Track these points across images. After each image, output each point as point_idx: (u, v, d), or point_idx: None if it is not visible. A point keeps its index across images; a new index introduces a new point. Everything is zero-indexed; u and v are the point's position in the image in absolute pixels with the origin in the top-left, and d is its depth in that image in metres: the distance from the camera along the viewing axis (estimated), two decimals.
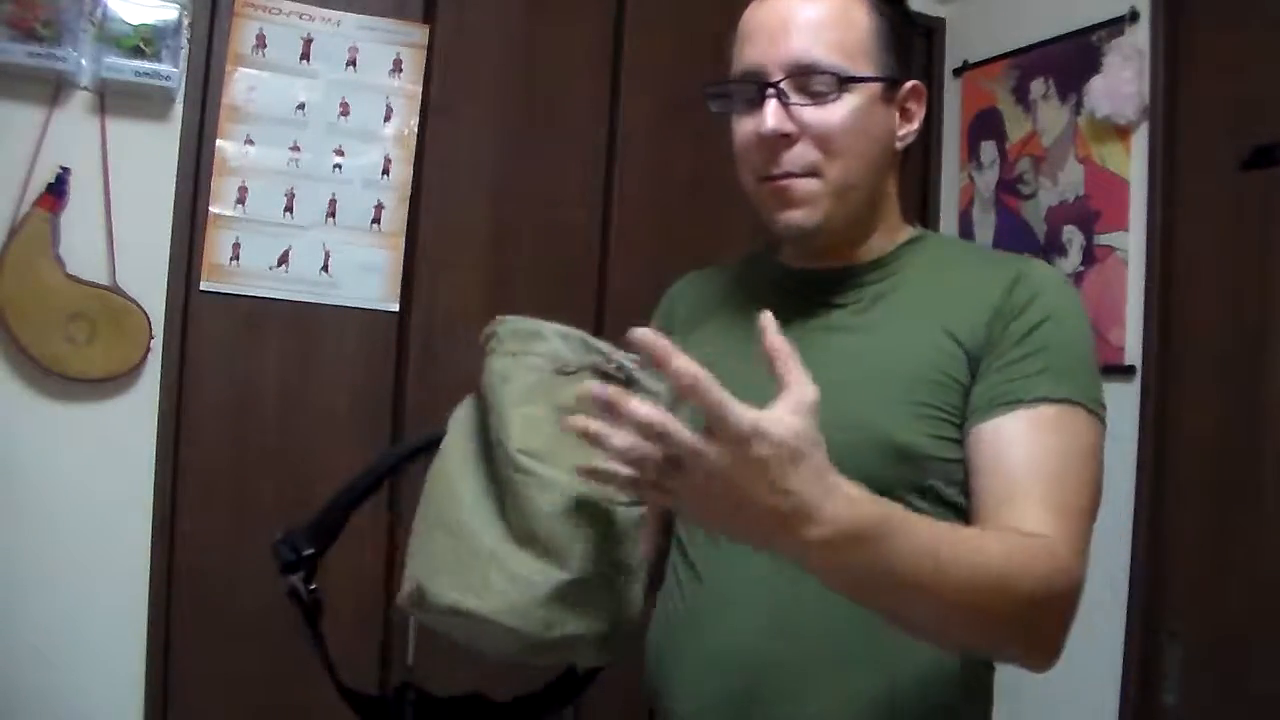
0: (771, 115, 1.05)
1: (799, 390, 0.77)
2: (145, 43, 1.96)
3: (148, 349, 2.00)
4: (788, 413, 0.76)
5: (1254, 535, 2.04)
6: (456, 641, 1.01)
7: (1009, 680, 1.10)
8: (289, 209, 2.16)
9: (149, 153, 2.03)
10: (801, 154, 1.07)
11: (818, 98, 1.06)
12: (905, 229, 1.18)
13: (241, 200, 2.12)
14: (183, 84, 2.04)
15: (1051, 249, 2.46)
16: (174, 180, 2.06)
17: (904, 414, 1.04)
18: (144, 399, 2.03)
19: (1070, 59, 2.45)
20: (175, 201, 2.06)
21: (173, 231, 2.06)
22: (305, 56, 2.17)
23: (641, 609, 1.03)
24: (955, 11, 2.83)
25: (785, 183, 1.08)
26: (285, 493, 2.12)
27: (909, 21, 1.16)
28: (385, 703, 1.17)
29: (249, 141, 2.13)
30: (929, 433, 1.04)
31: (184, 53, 2.03)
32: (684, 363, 0.72)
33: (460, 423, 1.06)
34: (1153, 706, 2.16)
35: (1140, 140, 2.30)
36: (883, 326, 1.10)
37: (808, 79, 1.06)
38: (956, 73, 2.77)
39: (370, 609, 2.06)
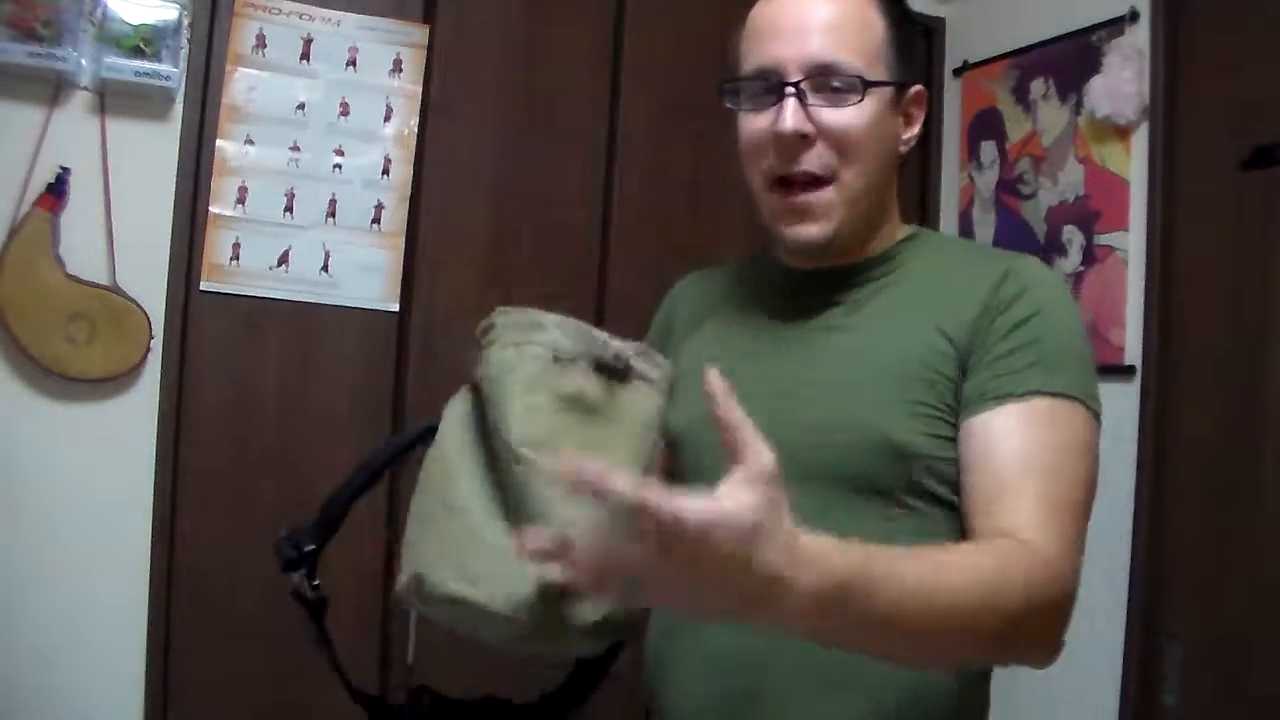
0: (791, 115, 1.05)
1: (755, 460, 0.69)
2: (145, 43, 1.96)
3: (148, 349, 2.00)
4: (745, 488, 0.68)
5: (1254, 535, 2.04)
6: (456, 630, 1.01)
7: (1008, 681, 1.10)
8: (289, 209, 2.16)
9: (149, 153, 2.03)
10: (818, 156, 1.07)
11: (836, 100, 1.06)
12: (901, 228, 1.19)
13: (241, 200, 2.12)
14: (183, 84, 2.04)
15: (1051, 249, 2.46)
16: (174, 180, 2.06)
17: (899, 413, 1.04)
18: (144, 399, 2.03)
19: (1070, 59, 2.45)
20: (175, 201, 2.06)
21: (173, 231, 2.06)
22: (305, 56, 2.17)
23: None
24: (955, 11, 2.82)
25: (801, 197, 1.07)
26: (285, 493, 2.12)
27: (913, 26, 1.16)
28: (400, 707, 1.16)
29: (249, 141, 2.13)
30: (924, 431, 1.04)
31: (184, 53, 2.03)
32: (623, 484, 0.64)
33: (456, 414, 1.06)
34: (1153, 706, 2.16)
35: (1140, 140, 2.30)
36: (877, 325, 1.10)
37: (827, 80, 1.06)
38: (956, 73, 2.77)
39: (369, 607, 2.06)
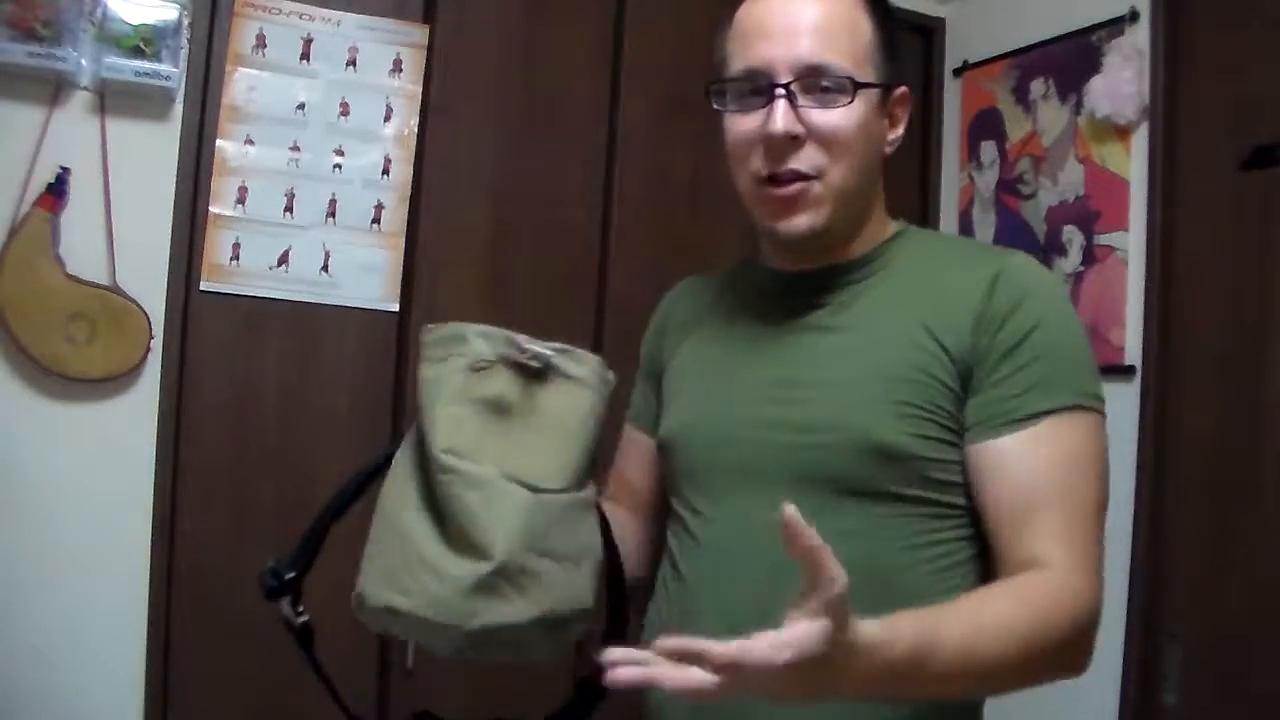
0: (782, 116, 1.05)
1: (829, 588, 0.76)
2: (145, 43, 1.96)
3: (148, 349, 2.00)
4: (819, 618, 0.76)
5: (1254, 535, 2.04)
6: (406, 641, 1.02)
7: None
8: (289, 209, 2.16)
9: (149, 153, 2.03)
10: (807, 156, 1.07)
11: (826, 101, 1.06)
12: (888, 226, 1.19)
13: (241, 200, 2.12)
14: (183, 84, 2.04)
15: (1051, 249, 2.46)
16: (174, 180, 2.06)
17: (885, 413, 1.05)
18: (144, 399, 2.03)
19: (1070, 59, 2.45)
20: (175, 201, 2.06)
21: (173, 231, 2.06)
22: (305, 56, 2.17)
23: (592, 596, 1.04)
24: (955, 11, 2.83)
25: (789, 189, 1.08)
26: (285, 493, 2.12)
27: (898, 27, 1.17)
28: None
29: (249, 141, 2.13)
30: (910, 431, 1.04)
31: (184, 53, 2.03)
32: (721, 652, 0.75)
33: (409, 437, 1.08)
34: (1153, 707, 2.16)
35: (1140, 140, 2.30)
36: (863, 325, 1.11)
37: (816, 81, 1.06)
38: (956, 73, 2.77)
39: None
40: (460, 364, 1.04)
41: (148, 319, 2.00)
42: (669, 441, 1.21)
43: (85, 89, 1.97)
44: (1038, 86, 2.54)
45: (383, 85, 2.23)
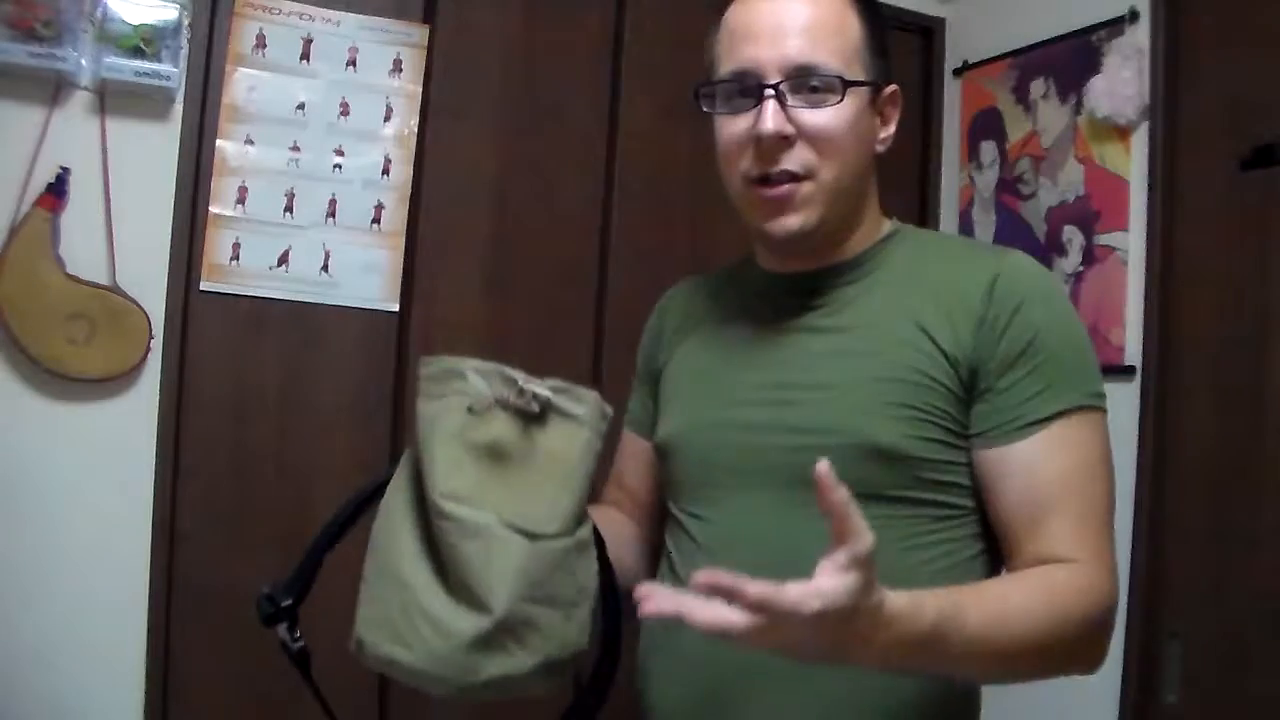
0: (771, 117, 1.05)
1: (856, 544, 0.78)
2: (145, 43, 1.95)
3: (148, 349, 2.00)
4: (844, 572, 0.78)
5: (1254, 535, 2.04)
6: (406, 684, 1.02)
7: None
8: (289, 209, 2.16)
9: (149, 153, 2.03)
10: (798, 156, 1.07)
11: (815, 100, 1.06)
12: (882, 225, 1.18)
13: (241, 200, 2.12)
14: (183, 84, 2.04)
15: (1051, 249, 2.46)
16: (174, 180, 2.06)
17: (882, 415, 1.05)
18: (144, 399, 2.03)
19: (1070, 59, 2.45)
20: (175, 201, 2.06)
21: (173, 231, 2.06)
22: (305, 56, 2.17)
23: (588, 635, 1.03)
24: (955, 11, 2.82)
25: (780, 190, 1.08)
26: (285, 493, 2.12)
27: (887, 26, 1.17)
28: None
29: (249, 141, 2.13)
30: (908, 433, 1.04)
31: (184, 53, 2.03)
32: (754, 589, 0.76)
33: (403, 471, 1.06)
34: (1153, 707, 2.16)
35: (1140, 140, 2.30)
36: (858, 326, 1.10)
37: (805, 81, 1.06)
38: (956, 73, 2.77)
39: None
40: (458, 403, 1.03)
41: (148, 319, 2.00)
42: (666, 445, 1.21)
43: (85, 89, 1.97)
44: (1038, 86, 2.54)
45: (383, 85, 2.23)
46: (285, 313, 2.16)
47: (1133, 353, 2.28)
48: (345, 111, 2.20)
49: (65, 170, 1.95)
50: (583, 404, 1.05)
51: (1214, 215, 2.18)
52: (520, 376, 1.03)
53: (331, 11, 2.19)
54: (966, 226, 2.72)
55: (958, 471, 1.07)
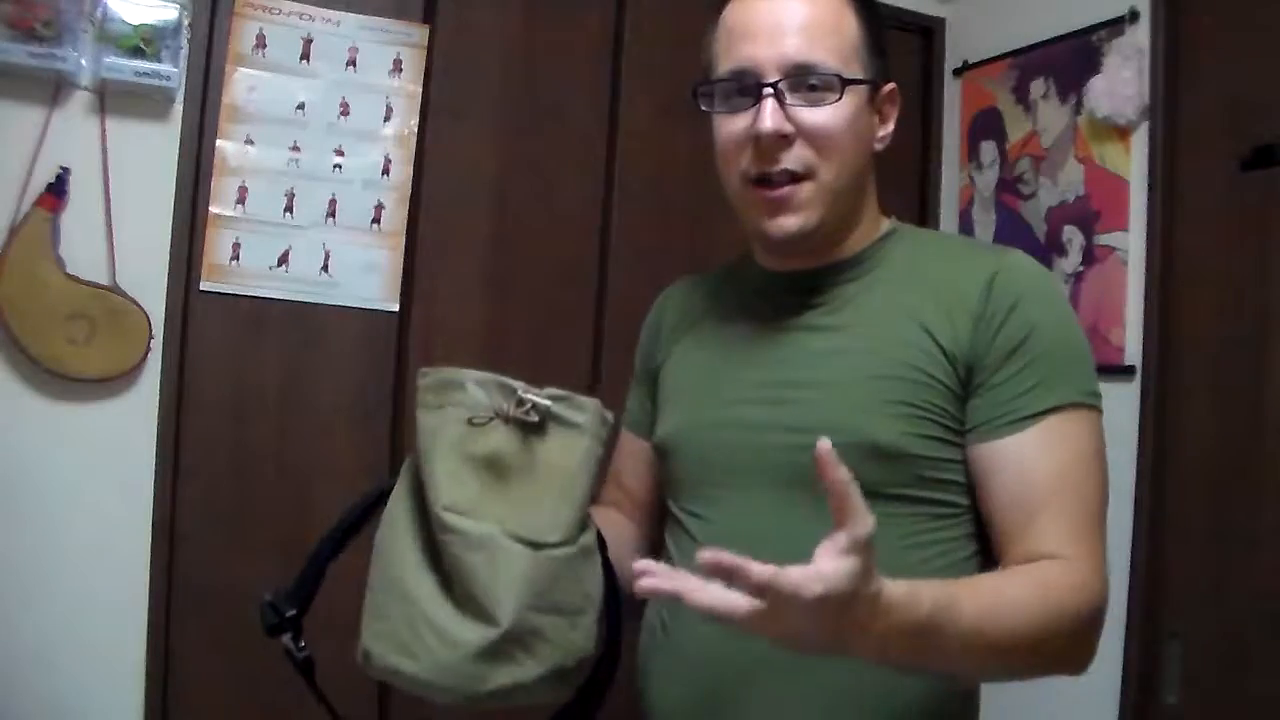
0: (770, 115, 1.05)
1: (856, 527, 0.77)
2: (145, 43, 1.95)
3: (148, 349, 2.00)
4: (843, 555, 0.77)
5: (1254, 535, 2.04)
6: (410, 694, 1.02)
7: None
8: (289, 209, 2.16)
9: (149, 153, 2.03)
10: (797, 154, 1.07)
11: (814, 99, 1.06)
12: (881, 224, 1.19)
13: (241, 200, 2.12)
14: (183, 84, 2.04)
15: (1051, 249, 2.46)
16: (174, 180, 2.06)
17: (882, 414, 1.05)
18: (144, 399, 2.03)
19: (1070, 59, 2.45)
20: (175, 201, 2.06)
21: (173, 231, 2.06)
22: (305, 56, 2.17)
23: (594, 641, 1.03)
24: (955, 11, 2.82)
25: (781, 190, 1.08)
26: (285, 493, 2.12)
27: (884, 25, 1.17)
28: None
29: (249, 141, 2.13)
30: (907, 431, 1.04)
31: (184, 53, 2.02)
32: (758, 570, 0.75)
33: (405, 481, 1.06)
34: (1153, 707, 2.16)
35: (1140, 140, 2.30)
36: (858, 325, 1.11)
37: (803, 80, 1.06)
38: (956, 73, 2.77)
39: None
40: (458, 414, 1.03)
41: (148, 319, 2.00)
42: (665, 445, 1.21)
43: (85, 89, 1.97)
44: (1038, 86, 2.54)
45: (383, 85, 2.23)
46: (285, 313, 2.16)
47: (1133, 353, 2.28)
48: (345, 111, 2.20)
49: (65, 170, 1.95)
50: (583, 412, 1.04)
51: (1214, 215, 2.18)
52: (519, 386, 1.03)
53: (331, 11, 2.19)
54: (966, 226, 2.72)
55: (956, 469, 1.07)
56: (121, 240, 2.00)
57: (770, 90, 1.05)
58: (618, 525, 1.26)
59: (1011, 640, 0.92)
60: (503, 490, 1.01)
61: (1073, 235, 2.43)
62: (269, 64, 2.14)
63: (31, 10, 1.86)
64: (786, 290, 1.16)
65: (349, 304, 2.20)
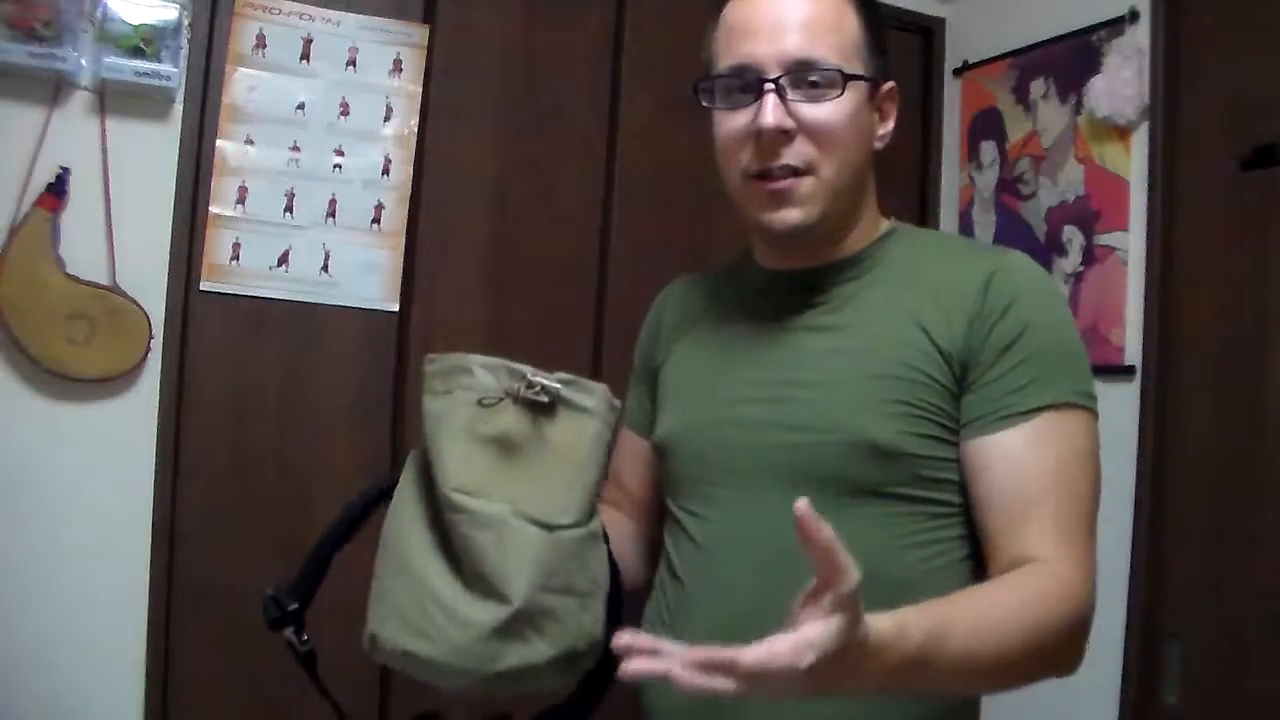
0: (771, 111, 1.05)
1: (842, 584, 0.75)
2: (145, 43, 1.95)
3: (148, 349, 2.00)
4: (830, 616, 0.76)
5: (1254, 535, 2.04)
6: (418, 680, 1.02)
7: None
8: (289, 209, 2.16)
9: (149, 153, 2.03)
10: (798, 150, 1.07)
11: (816, 95, 1.07)
12: (880, 223, 1.19)
13: (241, 200, 2.12)
14: (183, 84, 2.04)
15: (1051, 249, 2.46)
16: (174, 180, 2.06)
17: (881, 413, 1.05)
18: (144, 399, 2.03)
19: (1070, 59, 2.45)
20: (175, 201, 2.06)
21: (173, 231, 2.06)
22: (305, 56, 2.17)
23: (603, 626, 1.03)
24: (955, 11, 2.82)
25: (781, 184, 1.08)
26: (285, 492, 2.12)
27: (884, 23, 1.17)
28: None
29: (249, 141, 2.13)
30: (907, 430, 1.04)
31: (184, 53, 2.02)
32: (748, 662, 0.74)
33: (411, 469, 1.07)
34: (1153, 707, 2.16)
35: (1140, 140, 2.30)
36: (856, 324, 1.11)
37: (804, 76, 1.06)
38: (956, 73, 2.77)
39: None
40: (466, 398, 1.03)
41: (148, 319, 2.00)
42: (664, 444, 1.21)
43: (85, 89, 1.97)
44: (1038, 86, 2.54)
45: (383, 85, 2.23)
46: (285, 313, 2.16)
47: (1132, 353, 2.28)
48: (345, 111, 2.20)
49: (65, 170, 1.95)
50: (592, 396, 1.05)
51: (1214, 215, 2.18)
52: (528, 370, 1.04)
53: (331, 11, 2.19)
54: (966, 226, 2.72)
55: (954, 469, 1.07)
56: (121, 240, 2.00)
57: (772, 86, 1.06)
58: (617, 523, 1.26)
59: (1000, 660, 0.92)
60: (512, 471, 1.01)
61: (1073, 235, 2.43)
62: (269, 64, 2.14)
63: (31, 10, 1.86)
64: (786, 289, 1.16)
65: (349, 304, 2.20)
